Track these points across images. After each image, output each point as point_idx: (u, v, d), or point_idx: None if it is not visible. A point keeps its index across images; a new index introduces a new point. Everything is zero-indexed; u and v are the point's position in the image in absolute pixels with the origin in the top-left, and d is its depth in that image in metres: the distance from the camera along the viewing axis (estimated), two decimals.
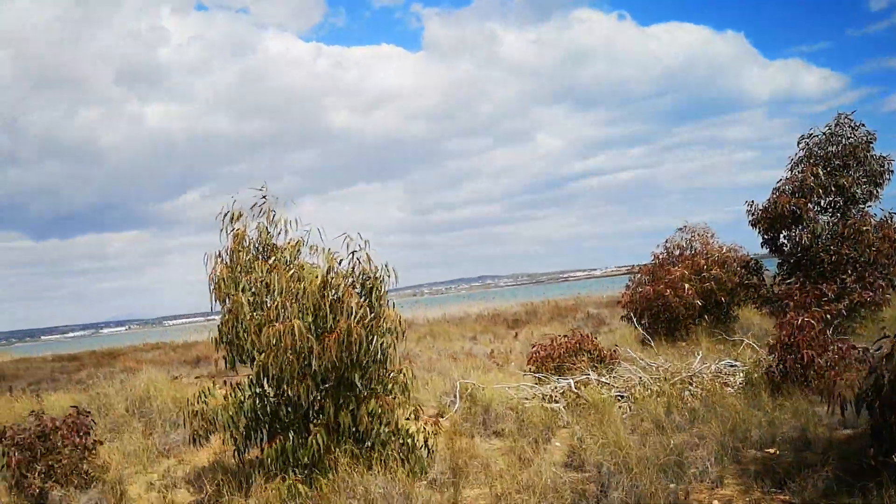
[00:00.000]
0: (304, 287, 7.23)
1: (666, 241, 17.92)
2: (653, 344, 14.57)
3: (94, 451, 9.22)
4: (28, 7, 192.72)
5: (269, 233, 8.00)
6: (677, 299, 16.20)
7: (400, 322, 7.12)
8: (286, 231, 7.90)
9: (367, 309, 7.04)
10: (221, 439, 7.87)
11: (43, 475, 8.62)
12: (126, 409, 12.54)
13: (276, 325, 7.02)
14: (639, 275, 18.40)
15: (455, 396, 10.65)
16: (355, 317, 6.89)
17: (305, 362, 6.97)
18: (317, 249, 7.79)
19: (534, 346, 13.16)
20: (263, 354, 7.02)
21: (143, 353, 36.07)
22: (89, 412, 9.77)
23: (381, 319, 7.10)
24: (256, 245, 7.88)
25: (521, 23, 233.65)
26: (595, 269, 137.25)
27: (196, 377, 24.02)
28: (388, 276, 7.22)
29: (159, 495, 8.31)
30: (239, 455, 7.71)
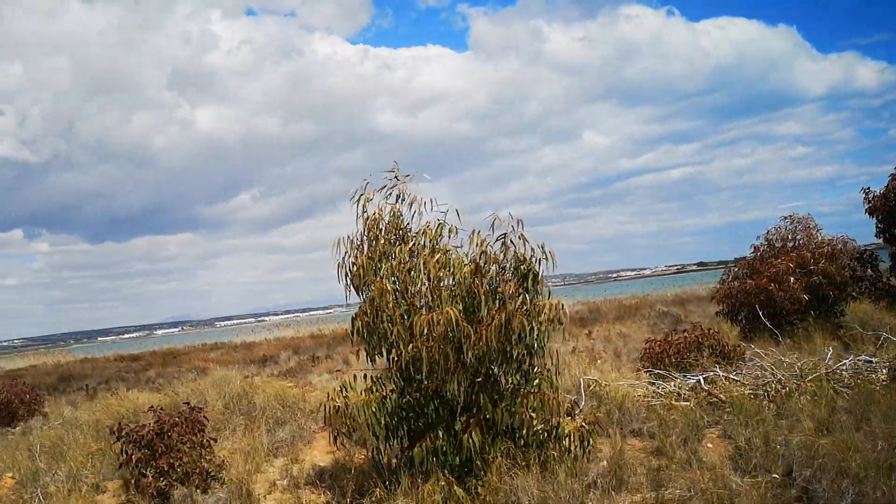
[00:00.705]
0: (454, 272, 6.69)
1: (767, 233, 16.98)
2: (781, 339, 13.68)
3: (210, 449, 8.83)
4: (84, 14, 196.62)
5: (402, 215, 7.45)
6: (782, 293, 15.30)
7: (561, 310, 6.51)
8: (420, 213, 7.34)
9: (525, 295, 6.46)
10: (363, 439, 7.32)
11: (163, 474, 8.24)
12: (225, 407, 12.17)
13: (424, 313, 6.49)
14: (735, 268, 17.52)
15: (579, 393, 10.02)
16: (515, 304, 6.32)
17: (457, 354, 6.42)
18: (455, 232, 7.23)
19: (647, 342, 12.45)
20: (412, 345, 6.50)
21: (204, 353, 36.16)
22: (202, 408, 9.39)
23: (539, 307, 6.50)
24: (391, 229, 7.33)
25: (567, 20, 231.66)
26: (645, 269, 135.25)
27: (269, 375, 23.81)
28: (546, 260, 6.62)
29: (288, 496, 7.85)
30: (378, 454, 7.19)
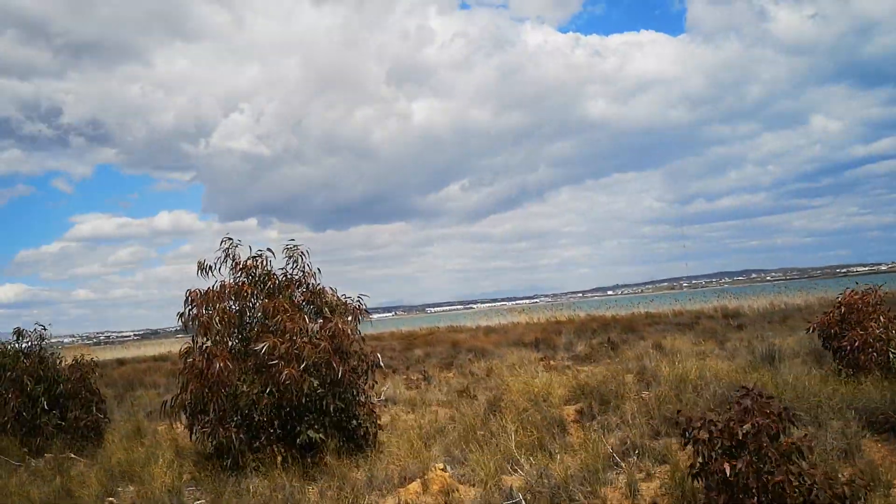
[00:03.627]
0: None
1: None
2: None
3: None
4: (314, 16, 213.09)
5: None
6: None
7: None
8: None
9: None
10: None
11: (775, 494, 5.24)
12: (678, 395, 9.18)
13: None
14: None
15: None
16: None
17: None
18: None
19: None
20: None
21: (450, 335, 34.32)
22: (763, 392, 6.33)
23: None
24: None
25: None
26: (880, 264, 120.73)
27: (568, 359, 21.02)
28: None
29: None
30: None
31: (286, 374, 8.24)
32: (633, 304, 48.19)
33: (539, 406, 9.34)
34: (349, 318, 9.33)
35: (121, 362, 31.29)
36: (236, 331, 9.19)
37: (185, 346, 9.16)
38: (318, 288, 9.46)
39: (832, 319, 11.66)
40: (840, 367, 11.29)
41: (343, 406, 8.92)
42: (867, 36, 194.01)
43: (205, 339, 8.99)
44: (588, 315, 39.40)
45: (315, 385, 8.55)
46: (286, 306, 8.76)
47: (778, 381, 8.95)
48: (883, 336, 10.90)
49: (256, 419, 8.76)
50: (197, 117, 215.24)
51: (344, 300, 9.54)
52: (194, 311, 9.03)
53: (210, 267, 9.33)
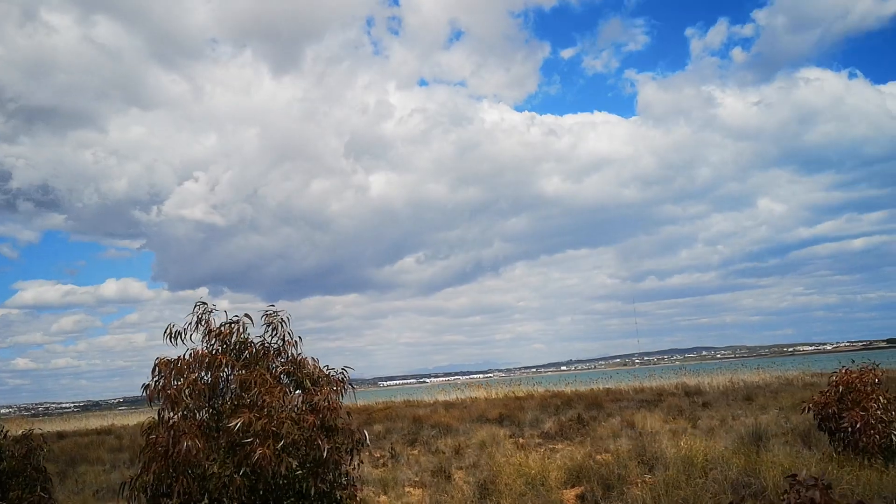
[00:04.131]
0: None
1: None
2: None
3: None
4: (274, 88, 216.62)
5: None
6: None
7: None
8: None
9: None
10: None
11: None
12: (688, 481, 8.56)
13: None
14: None
15: None
16: None
17: None
18: None
19: None
20: None
21: (409, 410, 33.33)
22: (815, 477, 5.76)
23: None
24: None
25: (741, 84, 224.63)
26: (825, 344, 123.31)
27: (537, 436, 20.27)
28: None
29: None
30: None
31: (260, 454, 7.39)
32: (591, 379, 47.76)
33: (537, 490, 8.62)
34: (332, 392, 8.55)
35: (61, 435, 29.36)
36: (207, 404, 8.31)
37: (149, 420, 8.25)
38: (298, 358, 8.68)
39: (829, 399, 11.27)
40: (839, 449, 10.87)
41: (326, 489, 8.05)
42: (809, 124, 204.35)
43: (172, 413, 8.09)
44: (547, 390, 38.84)
45: (294, 466, 7.72)
46: (265, 378, 7.96)
47: (798, 466, 8.41)
48: (884, 417, 10.55)
49: None
50: (150, 185, 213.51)
51: (326, 372, 8.77)
52: (162, 381, 8.14)
53: (179, 333, 8.49)
